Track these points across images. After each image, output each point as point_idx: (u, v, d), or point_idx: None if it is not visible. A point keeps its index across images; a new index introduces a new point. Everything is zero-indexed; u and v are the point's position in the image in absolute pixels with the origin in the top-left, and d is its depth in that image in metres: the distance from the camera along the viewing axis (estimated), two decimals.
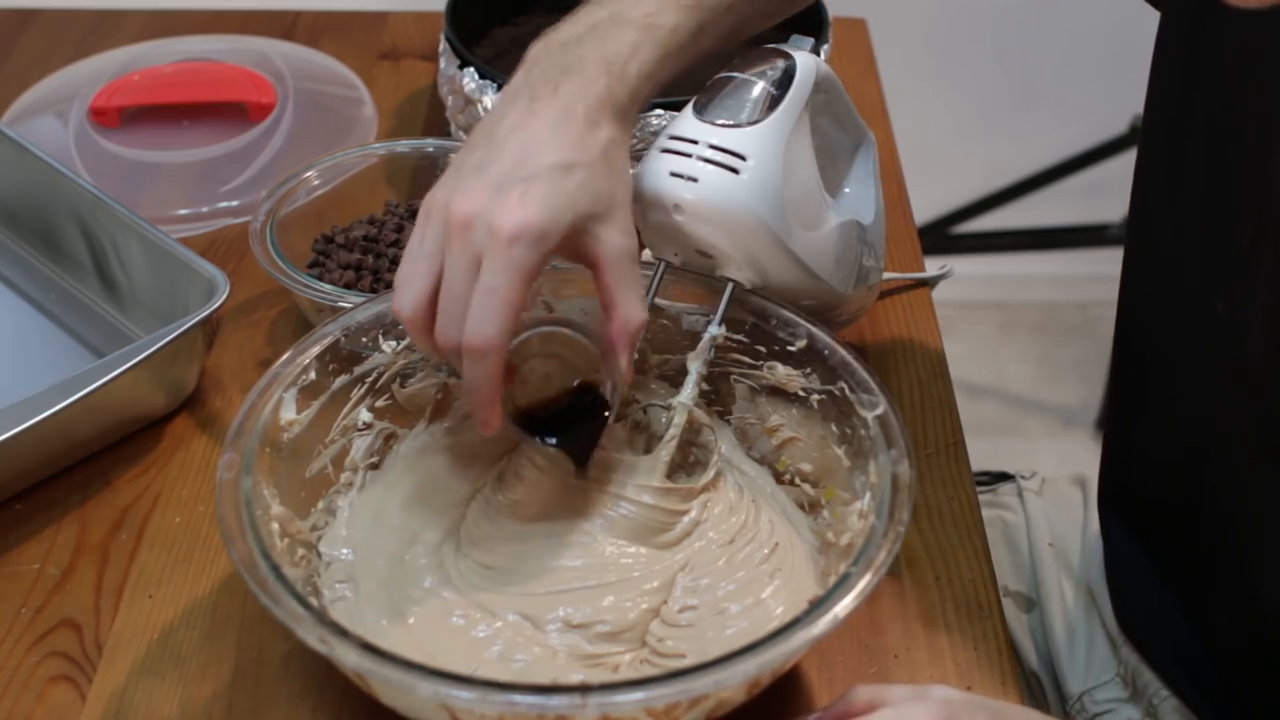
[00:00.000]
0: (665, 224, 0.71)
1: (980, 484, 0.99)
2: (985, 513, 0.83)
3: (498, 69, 0.98)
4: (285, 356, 0.73)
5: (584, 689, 0.57)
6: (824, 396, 0.73)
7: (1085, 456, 1.98)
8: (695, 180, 0.70)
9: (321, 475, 0.75)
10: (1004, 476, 1.00)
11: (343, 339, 0.74)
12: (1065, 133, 1.96)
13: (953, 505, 0.80)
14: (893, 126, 1.13)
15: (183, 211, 1.00)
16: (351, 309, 0.75)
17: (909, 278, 0.96)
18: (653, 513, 0.72)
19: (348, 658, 0.58)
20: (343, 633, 0.59)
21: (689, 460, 0.77)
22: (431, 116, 1.13)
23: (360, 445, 0.76)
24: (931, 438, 0.84)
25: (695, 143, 0.71)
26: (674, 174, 0.70)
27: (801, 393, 0.75)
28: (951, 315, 0.88)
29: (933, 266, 0.99)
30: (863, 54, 1.21)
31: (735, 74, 0.74)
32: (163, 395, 0.84)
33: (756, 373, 0.76)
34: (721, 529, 0.73)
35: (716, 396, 0.79)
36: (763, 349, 0.76)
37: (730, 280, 0.74)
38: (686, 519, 0.73)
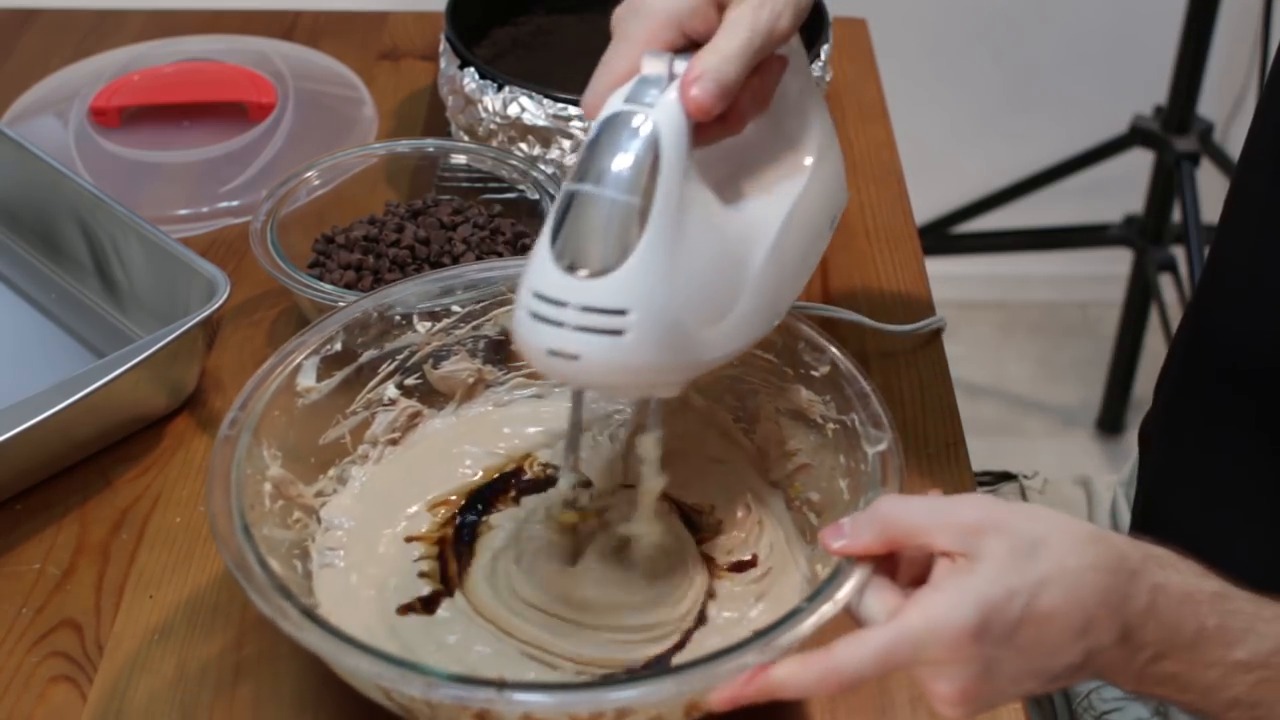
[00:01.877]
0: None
1: (982, 484, 0.99)
2: None
3: (498, 69, 0.98)
4: (313, 324, 0.74)
5: (500, 685, 0.57)
6: (838, 426, 0.72)
7: (1085, 456, 1.98)
8: (575, 358, 0.59)
9: (338, 444, 0.76)
10: (1006, 476, 1.00)
11: (375, 314, 0.75)
12: (1065, 133, 1.96)
13: None
14: (893, 126, 1.13)
15: (183, 211, 1.00)
16: (391, 287, 0.76)
17: (900, 331, 0.92)
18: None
19: (282, 619, 0.59)
20: (283, 592, 0.61)
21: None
22: (431, 116, 1.13)
23: (383, 420, 0.77)
24: (931, 438, 0.84)
25: (564, 306, 0.58)
26: (552, 352, 0.59)
27: (820, 420, 0.73)
28: (951, 315, 0.89)
29: (933, 267, 0.99)
30: (863, 54, 1.21)
31: (585, 188, 0.59)
32: (163, 395, 0.84)
33: (781, 394, 0.75)
34: (722, 545, 0.73)
35: (743, 414, 0.78)
36: (789, 371, 0.74)
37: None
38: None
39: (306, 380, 0.73)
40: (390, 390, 0.77)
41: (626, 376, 0.60)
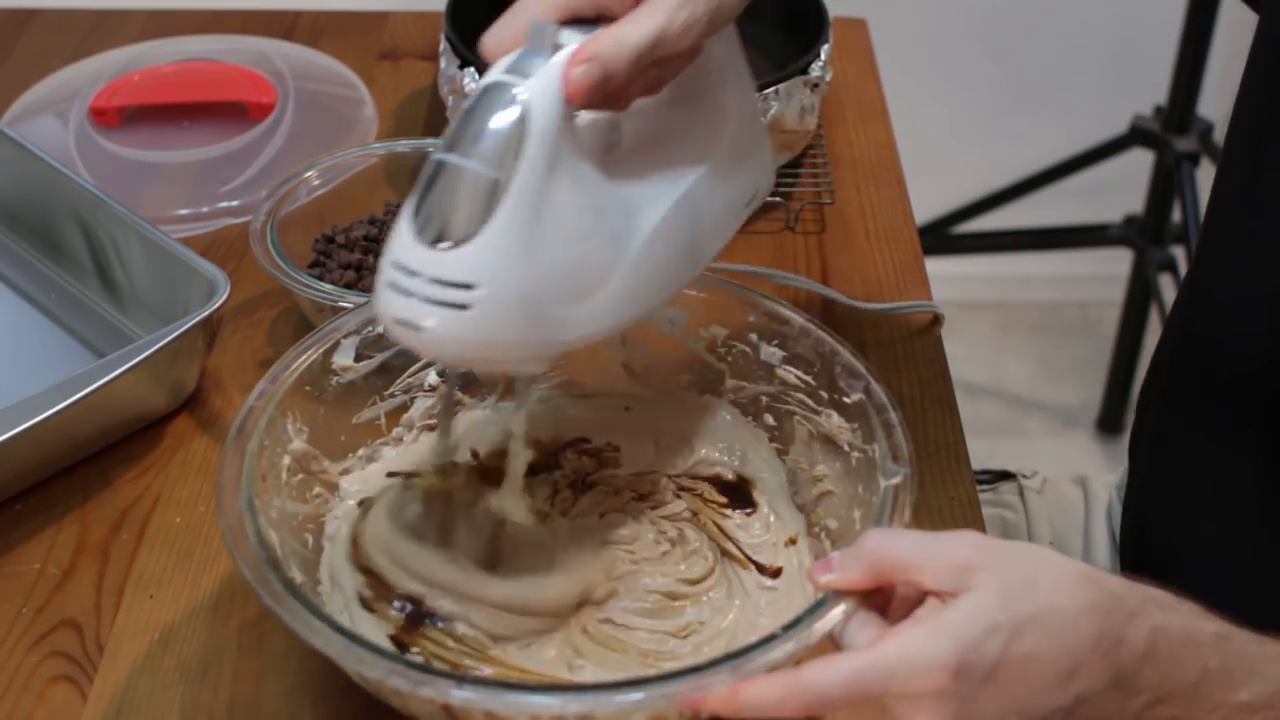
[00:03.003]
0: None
1: (981, 483, 0.99)
2: (985, 511, 0.82)
3: None
4: (358, 307, 0.75)
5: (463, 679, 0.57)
6: (860, 455, 0.71)
7: (1085, 456, 1.98)
8: (419, 329, 0.58)
9: (372, 425, 0.77)
10: (1005, 475, 1.00)
11: None
12: (1065, 133, 1.96)
13: (953, 505, 0.80)
14: (893, 126, 1.13)
15: (183, 211, 1.00)
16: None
17: (904, 308, 0.93)
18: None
19: (263, 589, 0.60)
20: (272, 564, 0.61)
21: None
22: (431, 116, 1.13)
23: (421, 405, 0.78)
24: (931, 438, 0.84)
25: (416, 275, 0.58)
26: (400, 321, 0.59)
27: (846, 447, 0.72)
28: (951, 315, 0.89)
29: (933, 267, 0.99)
30: (863, 54, 1.21)
31: (450, 158, 0.58)
32: (163, 395, 0.84)
33: (816, 418, 0.74)
34: (755, 534, 0.73)
35: (779, 434, 0.78)
36: (825, 395, 0.73)
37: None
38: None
39: (344, 359, 0.74)
40: (431, 377, 0.78)
41: (472, 350, 0.60)
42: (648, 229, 0.63)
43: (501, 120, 0.58)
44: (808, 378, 0.74)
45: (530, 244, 0.58)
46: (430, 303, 0.58)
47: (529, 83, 0.58)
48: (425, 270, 0.58)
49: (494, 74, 0.60)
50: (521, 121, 0.58)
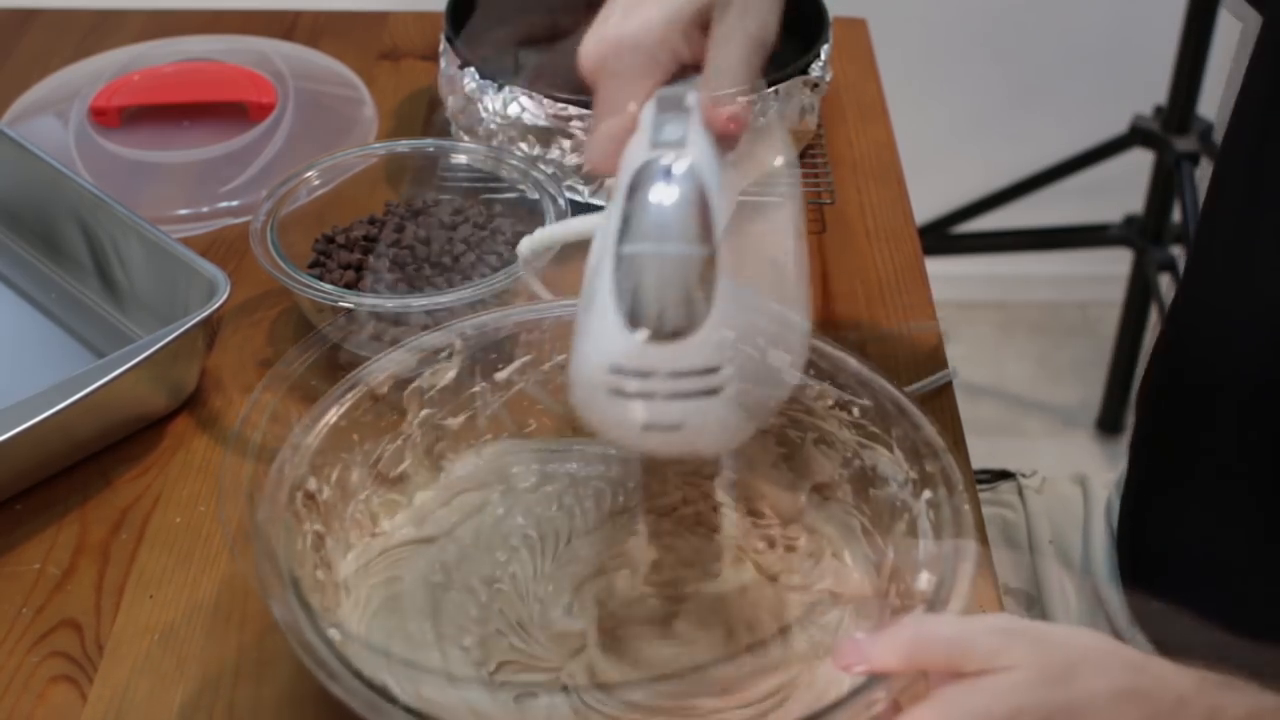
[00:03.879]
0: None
1: (980, 482, 0.99)
2: (986, 511, 0.83)
3: (498, 69, 0.98)
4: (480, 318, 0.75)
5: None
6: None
7: (1085, 456, 1.98)
8: (677, 428, 0.55)
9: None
10: (1004, 475, 1.00)
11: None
12: (1065, 133, 1.96)
13: None
14: (893, 126, 1.13)
15: (183, 211, 1.00)
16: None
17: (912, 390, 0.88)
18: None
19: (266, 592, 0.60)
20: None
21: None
22: (431, 116, 1.13)
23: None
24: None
25: (650, 375, 0.54)
26: (648, 427, 0.55)
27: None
28: (951, 315, 0.88)
29: (933, 267, 0.99)
30: (863, 54, 1.21)
31: (644, 249, 0.55)
32: (163, 395, 0.84)
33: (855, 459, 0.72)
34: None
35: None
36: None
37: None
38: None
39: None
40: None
41: (731, 434, 0.57)
42: (790, 258, 0.62)
43: (680, 192, 0.55)
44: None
45: (739, 306, 0.56)
46: (679, 398, 0.55)
47: (686, 148, 0.56)
48: (660, 367, 0.54)
49: (637, 157, 0.57)
50: (699, 186, 0.55)
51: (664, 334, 0.54)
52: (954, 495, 0.65)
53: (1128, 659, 0.56)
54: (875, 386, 0.70)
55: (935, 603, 0.61)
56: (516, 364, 0.76)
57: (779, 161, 0.66)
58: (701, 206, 0.55)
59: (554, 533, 0.74)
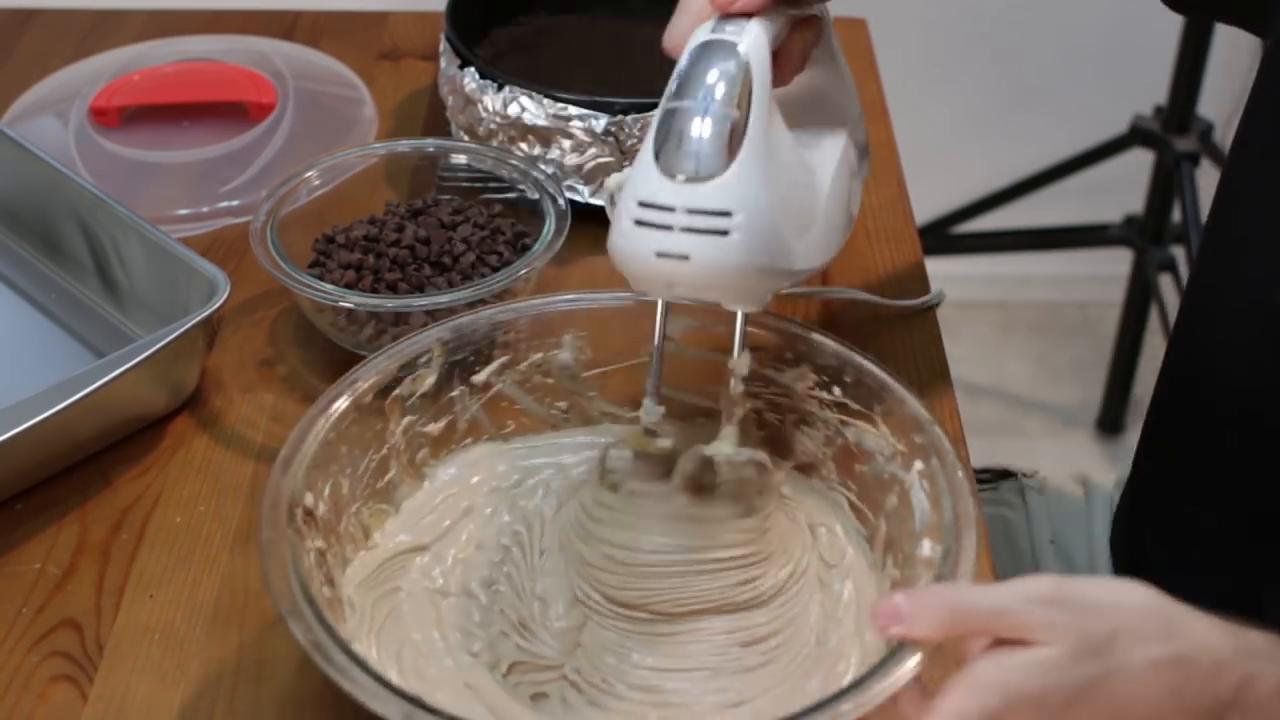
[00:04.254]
0: (660, 293, 0.68)
1: (981, 482, 0.99)
2: (986, 511, 0.83)
3: (498, 69, 0.98)
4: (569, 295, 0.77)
5: None
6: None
7: (1085, 456, 1.98)
8: (686, 258, 0.62)
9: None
10: (1006, 474, 1.00)
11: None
12: (1065, 133, 1.96)
13: None
14: (893, 126, 1.13)
15: (183, 211, 1.00)
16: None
17: (902, 305, 0.93)
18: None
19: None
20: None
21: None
22: (431, 116, 1.13)
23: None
24: None
25: (671, 210, 0.62)
26: (661, 254, 0.63)
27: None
28: (951, 315, 0.89)
29: (933, 267, 0.99)
30: (863, 54, 1.21)
31: (684, 104, 0.63)
32: (163, 395, 0.84)
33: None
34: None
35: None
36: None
37: (739, 309, 0.69)
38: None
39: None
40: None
41: (731, 277, 0.63)
42: (828, 178, 0.72)
43: (729, 69, 0.64)
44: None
45: (766, 176, 0.64)
46: (692, 233, 0.62)
47: (743, 38, 0.65)
48: (681, 203, 0.62)
49: (701, 36, 0.66)
50: (746, 68, 0.64)
51: (686, 176, 0.62)
52: (946, 464, 0.67)
53: (1166, 623, 0.56)
54: (856, 365, 0.73)
55: (944, 573, 0.62)
56: (494, 365, 0.77)
57: (846, 111, 0.77)
58: (743, 81, 0.64)
59: (540, 524, 0.74)
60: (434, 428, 0.76)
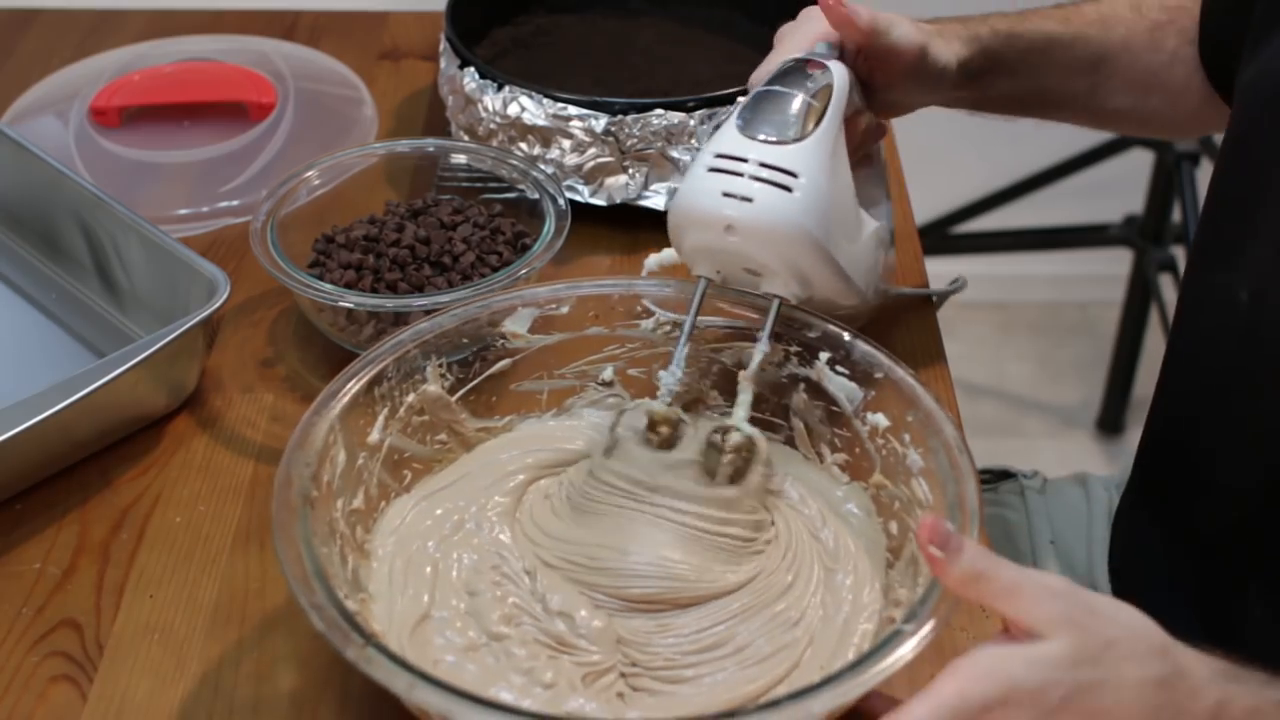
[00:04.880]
0: (714, 244, 0.72)
1: (982, 482, 0.98)
2: (986, 511, 0.82)
3: (498, 69, 0.98)
4: (553, 286, 0.78)
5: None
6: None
7: (1085, 456, 1.98)
8: (750, 200, 0.69)
9: (531, 396, 0.79)
10: (1006, 475, 1.00)
11: (617, 295, 0.78)
12: (1065, 133, 1.95)
13: None
14: (893, 126, 1.12)
15: (183, 211, 1.00)
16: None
17: (921, 293, 0.94)
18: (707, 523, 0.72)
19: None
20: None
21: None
22: (431, 116, 1.13)
23: (587, 395, 0.80)
24: None
25: (745, 161, 0.70)
26: (727, 194, 0.70)
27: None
28: (951, 315, 0.89)
29: (933, 267, 0.99)
30: None
31: (775, 88, 0.73)
32: (163, 395, 0.84)
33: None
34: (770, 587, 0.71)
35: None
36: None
37: (776, 296, 0.73)
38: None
39: (516, 326, 0.77)
40: (608, 372, 0.79)
41: (786, 230, 0.70)
42: (870, 225, 0.78)
43: (818, 75, 0.74)
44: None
45: (829, 167, 0.72)
46: (759, 181, 0.70)
47: (833, 64, 0.75)
48: (755, 156, 0.70)
49: (799, 54, 0.76)
50: (829, 80, 0.74)
51: (764, 137, 0.71)
52: (947, 444, 0.71)
53: (1159, 644, 0.59)
54: (815, 324, 0.76)
55: (954, 517, 0.66)
56: (379, 420, 0.73)
57: (886, 202, 0.86)
58: (827, 86, 0.73)
59: (504, 551, 0.72)
60: (357, 502, 0.72)
